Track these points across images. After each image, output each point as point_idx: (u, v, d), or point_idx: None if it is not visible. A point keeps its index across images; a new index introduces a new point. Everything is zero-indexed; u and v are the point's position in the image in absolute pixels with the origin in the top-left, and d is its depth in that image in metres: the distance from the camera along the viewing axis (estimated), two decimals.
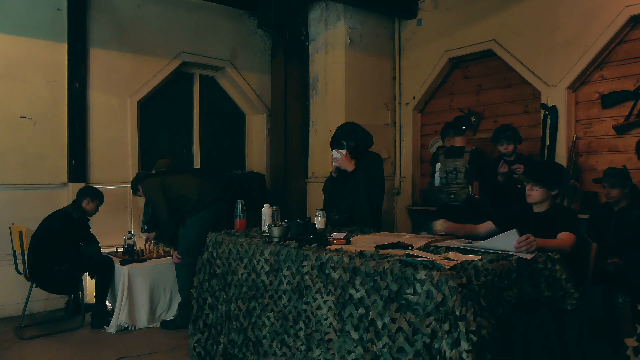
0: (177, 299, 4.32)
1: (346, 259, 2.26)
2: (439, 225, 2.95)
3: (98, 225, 4.54)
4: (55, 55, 4.84)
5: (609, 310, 3.31)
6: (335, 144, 3.73)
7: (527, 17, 4.83)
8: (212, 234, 3.16)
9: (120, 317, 4.11)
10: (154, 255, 4.54)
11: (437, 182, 4.39)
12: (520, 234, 2.33)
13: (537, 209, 2.90)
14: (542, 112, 4.70)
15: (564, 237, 2.63)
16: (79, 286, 4.31)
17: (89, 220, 4.40)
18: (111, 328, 4.07)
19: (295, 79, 6.03)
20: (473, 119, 5.33)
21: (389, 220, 5.99)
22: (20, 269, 4.15)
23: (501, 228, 2.84)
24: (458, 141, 4.32)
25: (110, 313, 4.23)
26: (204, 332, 3.13)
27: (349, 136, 3.71)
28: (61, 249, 4.15)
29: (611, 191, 3.57)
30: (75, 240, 4.32)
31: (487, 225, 3.02)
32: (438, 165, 4.33)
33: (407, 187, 6.02)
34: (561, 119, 4.59)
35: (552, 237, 2.62)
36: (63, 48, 4.87)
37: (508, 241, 2.34)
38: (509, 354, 2.04)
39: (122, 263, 4.24)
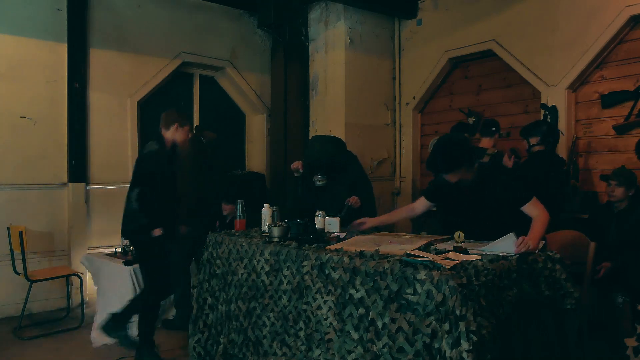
0: None
1: (346, 259, 2.26)
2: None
3: (98, 225, 4.54)
4: (55, 55, 4.84)
5: (609, 310, 3.31)
6: (324, 170, 3.78)
7: (527, 17, 4.83)
8: (212, 234, 3.16)
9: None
10: None
11: None
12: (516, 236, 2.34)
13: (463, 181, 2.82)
14: (542, 112, 4.70)
15: (538, 213, 2.62)
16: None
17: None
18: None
19: (295, 79, 6.03)
20: (472, 120, 5.33)
21: None
22: (19, 270, 4.12)
23: (435, 201, 3.02)
24: (484, 142, 4.35)
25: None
26: (204, 332, 3.13)
27: (336, 160, 3.77)
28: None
29: (616, 189, 3.58)
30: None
31: (422, 202, 3.08)
32: None
33: (407, 187, 6.02)
34: (561, 119, 4.59)
35: (484, 205, 2.70)
36: (63, 48, 4.87)
37: (507, 245, 2.34)
38: (509, 354, 2.04)
39: (126, 264, 4.22)
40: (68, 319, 4.44)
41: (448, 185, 2.84)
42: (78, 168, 4.93)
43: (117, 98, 5.20)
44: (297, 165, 3.94)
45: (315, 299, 2.36)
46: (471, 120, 5.35)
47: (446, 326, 1.83)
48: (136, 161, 3.54)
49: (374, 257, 2.23)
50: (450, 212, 2.91)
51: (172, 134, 3.55)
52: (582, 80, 4.57)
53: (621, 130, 4.33)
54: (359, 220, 3.03)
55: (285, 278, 2.54)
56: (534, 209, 2.65)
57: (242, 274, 2.83)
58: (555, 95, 4.63)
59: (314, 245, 2.59)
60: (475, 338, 1.78)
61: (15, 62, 4.64)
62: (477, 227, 2.69)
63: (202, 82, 6.07)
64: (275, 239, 2.74)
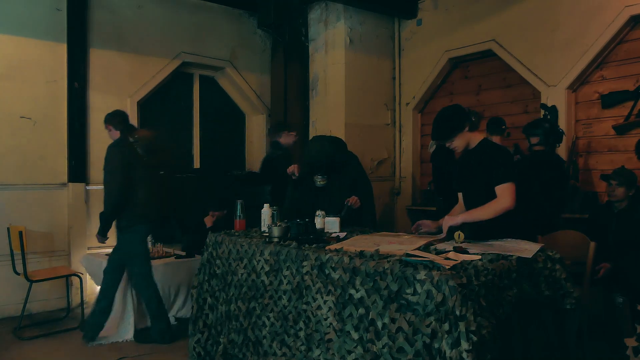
0: (181, 298, 4.29)
1: (346, 259, 2.26)
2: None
3: (98, 226, 4.52)
4: (55, 55, 4.84)
5: (609, 310, 3.31)
6: (324, 170, 3.77)
7: (527, 17, 4.83)
8: (212, 234, 3.16)
9: (133, 321, 4.02)
10: (156, 255, 4.52)
11: None
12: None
13: (469, 147, 2.89)
14: (542, 112, 4.70)
15: (500, 200, 2.59)
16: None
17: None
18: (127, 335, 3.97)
19: (295, 79, 6.03)
20: (473, 119, 5.31)
21: (389, 220, 5.99)
22: (19, 270, 4.12)
23: (461, 184, 2.96)
24: (494, 140, 4.37)
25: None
26: (204, 333, 3.12)
27: (336, 160, 3.75)
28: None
29: (617, 189, 3.58)
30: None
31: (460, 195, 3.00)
32: None
33: (407, 187, 6.03)
34: (561, 119, 4.59)
35: (486, 171, 2.67)
36: (63, 48, 4.87)
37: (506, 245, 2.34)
38: (509, 354, 2.04)
39: None
40: (68, 319, 4.44)
41: (461, 161, 2.96)
42: (78, 168, 4.93)
43: (117, 98, 5.19)
44: (292, 168, 3.93)
45: (315, 299, 2.36)
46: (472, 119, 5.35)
47: (446, 326, 1.83)
48: (265, 161, 4.49)
49: (374, 257, 2.23)
50: (464, 185, 2.91)
51: (285, 139, 4.40)
52: (582, 80, 4.57)
53: (621, 130, 4.33)
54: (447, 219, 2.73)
55: (285, 278, 2.54)
56: (502, 193, 2.59)
57: (242, 274, 2.83)
58: (555, 95, 4.63)
59: (314, 245, 2.59)
60: (475, 338, 1.78)
61: (15, 62, 4.64)
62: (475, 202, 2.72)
63: (202, 82, 6.07)
64: (275, 239, 2.74)
